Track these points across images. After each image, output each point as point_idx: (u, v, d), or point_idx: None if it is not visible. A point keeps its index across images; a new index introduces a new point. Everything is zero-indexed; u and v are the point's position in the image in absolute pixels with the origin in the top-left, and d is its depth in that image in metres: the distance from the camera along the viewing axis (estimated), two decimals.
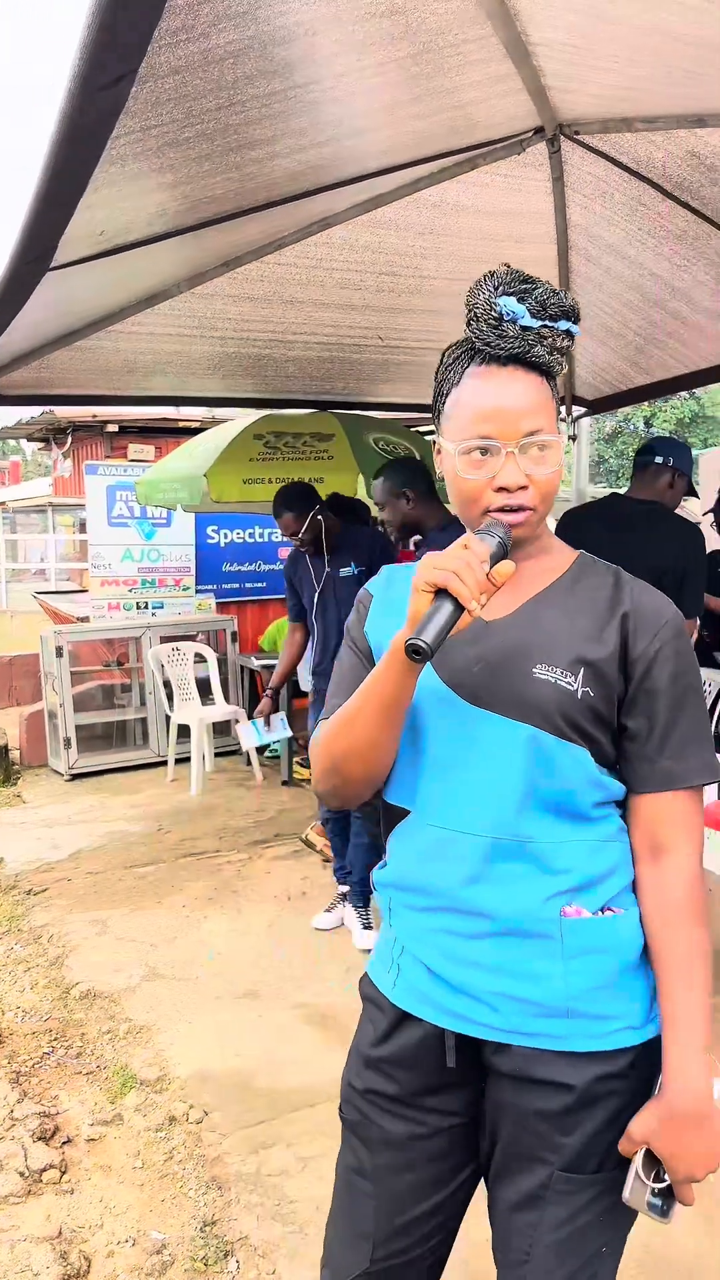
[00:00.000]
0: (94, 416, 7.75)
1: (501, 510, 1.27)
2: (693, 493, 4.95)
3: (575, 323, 1.28)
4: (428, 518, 3.63)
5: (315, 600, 4.24)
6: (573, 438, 5.99)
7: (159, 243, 3.11)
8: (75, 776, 6.84)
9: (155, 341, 4.45)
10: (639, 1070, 1.30)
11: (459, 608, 1.14)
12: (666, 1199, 1.26)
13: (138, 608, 7.55)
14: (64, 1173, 2.62)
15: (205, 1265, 2.29)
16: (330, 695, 1.45)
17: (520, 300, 1.24)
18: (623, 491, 3.94)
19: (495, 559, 1.20)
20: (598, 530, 3.77)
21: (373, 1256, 1.39)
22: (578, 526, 3.84)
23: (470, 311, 1.26)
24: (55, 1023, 3.43)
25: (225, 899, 4.55)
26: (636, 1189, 1.26)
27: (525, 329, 1.24)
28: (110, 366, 4.71)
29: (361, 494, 5.54)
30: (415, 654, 1.12)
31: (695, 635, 4.10)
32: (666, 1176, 1.25)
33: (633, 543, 3.66)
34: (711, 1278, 2.24)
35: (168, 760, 6.90)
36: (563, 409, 5.86)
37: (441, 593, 1.15)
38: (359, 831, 4.09)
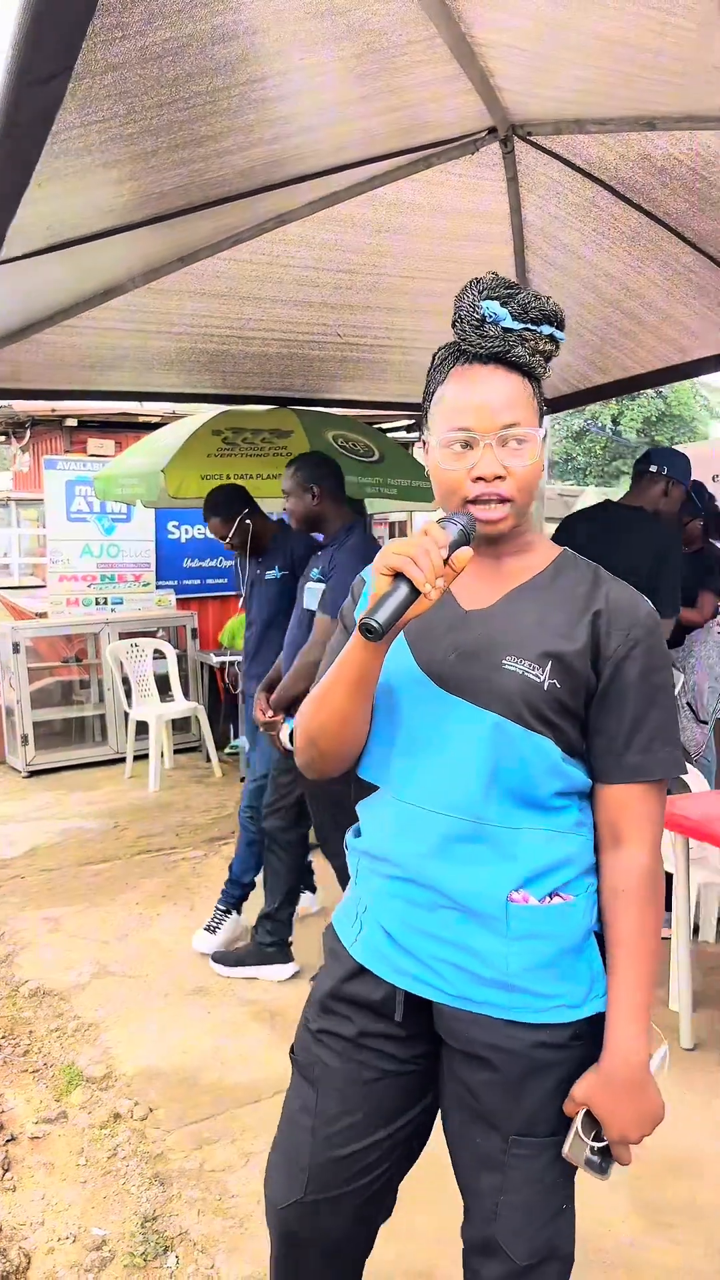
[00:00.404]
0: (53, 411, 7.69)
1: (477, 501, 1.34)
2: (691, 501, 5.05)
3: (559, 328, 1.36)
4: (332, 517, 3.61)
5: (243, 603, 4.21)
6: None
7: (110, 238, 3.10)
8: (33, 773, 6.80)
9: (112, 337, 4.43)
10: (584, 1042, 1.39)
11: (415, 591, 1.21)
12: (605, 1158, 1.37)
13: (96, 603, 7.50)
14: (6, 1170, 2.61)
15: (144, 1261, 2.29)
16: (319, 674, 1.51)
17: (503, 304, 1.32)
18: (617, 498, 4.14)
19: (456, 546, 1.25)
20: (584, 533, 4.02)
21: (306, 1188, 1.48)
22: (569, 530, 4.08)
23: (456, 314, 1.34)
24: (3, 1020, 3.41)
25: (179, 896, 4.55)
26: (576, 1146, 1.36)
27: (507, 330, 1.32)
28: (67, 361, 4.68)
29: None
30: (368, 632, 1.20)
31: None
32: (605, 1137, 1.35)
33: (613, 545, 3.90)
34: (643, 1270, 2.27)
35: (126, 757, 6.87)
36: None
37: (400, 576, 1.22)
38: (245, 825, 3.98)
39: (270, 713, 3.58)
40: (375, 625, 1.19)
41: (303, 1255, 1.55)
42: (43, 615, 7.48)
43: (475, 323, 1.32)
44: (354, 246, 3.95)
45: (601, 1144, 1.35)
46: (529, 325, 1.33)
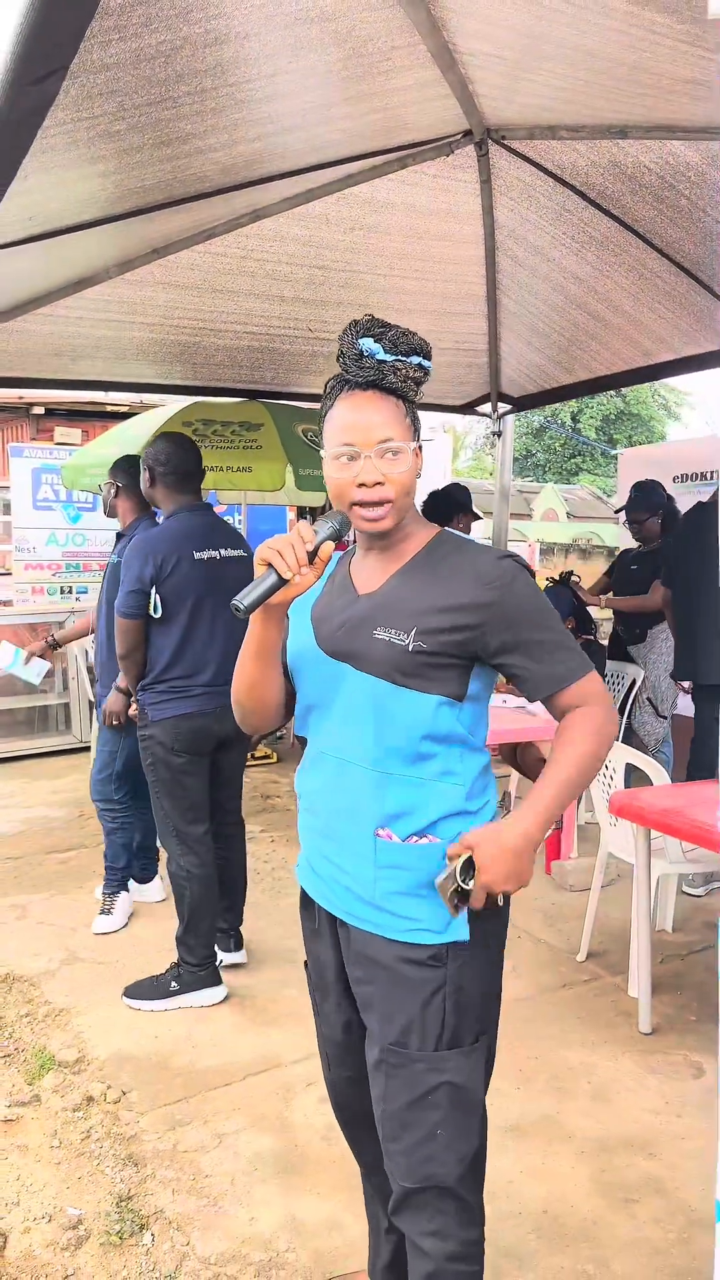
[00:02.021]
0: (20, 398, 7.64)
1: (363, 503, 1.57)
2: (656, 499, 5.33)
3: (426, 358, 1.58)
4: (162, 500, 3.60)
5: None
6: (498, 434, 6.10)
7: (89, 229, 3.12)
8: None
9: (84, 326, 4.43)
10: (446, 967, 1.60)
11: (281, 579, 1.48)
12: (462, 900, 1.54)
13: (62, 592, 7.48)
14: None
15: (120, 1239, 2.34)
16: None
17: (377, 340, 1.54)
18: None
19: (324, 541, 1.50)
20: (689, 535, 4.60)
21: (329, 1067, 1.91)
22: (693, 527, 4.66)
23: (339, 349, 1.57)
24: None
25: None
26: (448, 880, 1.53)
27: (381, 362, 1.54)
28: (38, 350, 4.68)
29: (289, 484, 5.58)
30: (236, 610, 1.47)
31: None
32: (475, 880, 1.53)
33: (701, 543, 4.42)
34: (606, 1245, 2.36)
35: (91, 746, 6.85)
36: (487, 405, 5.97)
37: (271, 565, 1.48)
38: (103, 818, 4.26)
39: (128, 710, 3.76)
40: (240, 606, 1.46)
41: (346, 1124, 1.96)
42: (7, 603, 7.45)
43: (355, 357, 1.54)
44: (328, 243, 3.99)
45: (468, 887, 1.52)
46: (399, 357, 1.55)
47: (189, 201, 3.17)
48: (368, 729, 1.61)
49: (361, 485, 1.55)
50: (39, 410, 7.71)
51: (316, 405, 6.14)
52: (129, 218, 3.13)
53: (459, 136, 3.35)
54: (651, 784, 3.54)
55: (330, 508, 1.67)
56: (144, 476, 3.57)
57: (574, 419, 26.87)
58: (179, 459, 3.54)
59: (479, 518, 5.63)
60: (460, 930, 1.61)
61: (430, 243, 4.11)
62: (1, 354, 4.67)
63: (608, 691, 1.59)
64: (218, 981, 3.50)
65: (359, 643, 1.62)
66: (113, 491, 4.18)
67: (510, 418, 6.19)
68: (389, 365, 1.54)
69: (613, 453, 23.99)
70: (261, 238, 3.85)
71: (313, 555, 1.49)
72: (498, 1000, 1.73)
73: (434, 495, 5.15)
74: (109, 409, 7.73)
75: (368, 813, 1.63)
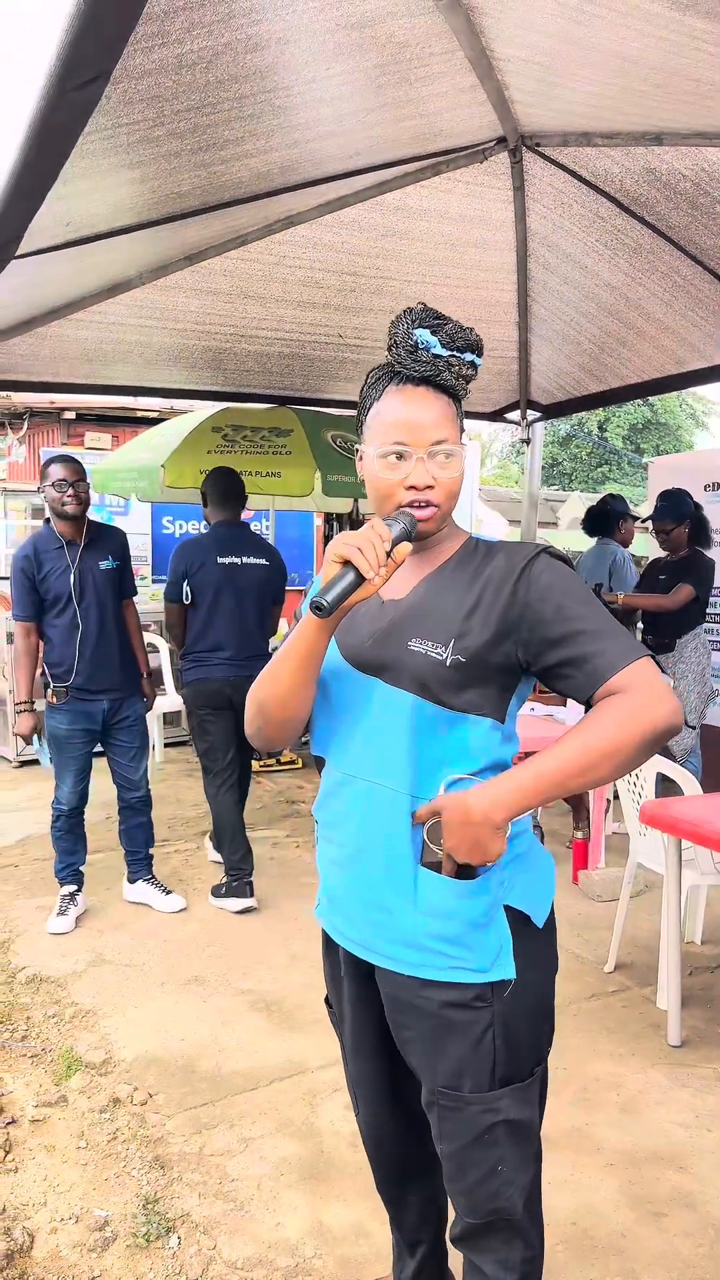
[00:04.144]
0: (51, 403, 7.71)
1: (411, 505, 1.48)
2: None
3: (479, 355, 1.49)
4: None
5: (69, 594, 4.12)
6: (526, 441, 6.08)
7: (123, 235, 3.14)
8: (24, 763, 6.81)
9: (116, 331, 4.47)
10: (491, 1004, 1.50)
11: (360, 577, 1.38)
12: (436, 870, 1.50)
13: None
14: (8, 1152, 2.65)
15: (147, 1242, 2.33)
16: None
17: (433, 333, 1.45)
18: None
19: (398, 541, 1.41)
20: None
21: (356, 1108, 1.85)
22: None
23: (391, 339, 1.47)
24: (1, 1006, 3.44)
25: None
26: (428, 851, 1.50)
27: (436, 357, 1.45)
28: (70, 355, 4.72)
29: (317, 490, 5.59)
30: (317, 610, 1.38)
31: None
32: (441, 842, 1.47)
33: None
34: (636, 1258, 2.34)
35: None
36: (516, 413, 5.95)
37: (349, 563, 1.38)
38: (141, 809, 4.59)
39: None
40: (324, 604, 1.36)
41: (376, 1165, 1.90)
42: None
43: (409, 349, 1.44)
44: (360, 249, 4.00)
45: (438, 854, 1.48)
46: (455, 352, 1.45)
47: (223, 207, 3.19)
48: (403, 751, 1.48)
49: (411, 488, 1.46)
50: (70, 415, 7.76)
51: (345, 412, 6.19)
52: (164, 224, 3.15)
53: (493, 143, 3.36)
54: (682, 794, 3.52)
55: (355, 513, 1.62)
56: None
57: (601, 428, 26.78)
58: (216, 486, 4.54)
59: (638, 518, 5.93)
60: (506, 968, 1.50)
61: (462, 249, 4.11)
62: (34, 359, 4.72)
63: (657, 677, 1.40)
64: (245, 894, 4.36)
65: (391, 653, 1.50)
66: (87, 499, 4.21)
67: (540, 425, 6.17)
68: (444, 360, 1.44)
69: (640, 461, 23.89)
70: (294, 244, 3.87)
71: (388, 554, 1.39)
72: (551, 1023, 1.63)
73: (593, 511, 5.74)
74: (139, 414, 7.77)
75: (404, 843, 1.50)
